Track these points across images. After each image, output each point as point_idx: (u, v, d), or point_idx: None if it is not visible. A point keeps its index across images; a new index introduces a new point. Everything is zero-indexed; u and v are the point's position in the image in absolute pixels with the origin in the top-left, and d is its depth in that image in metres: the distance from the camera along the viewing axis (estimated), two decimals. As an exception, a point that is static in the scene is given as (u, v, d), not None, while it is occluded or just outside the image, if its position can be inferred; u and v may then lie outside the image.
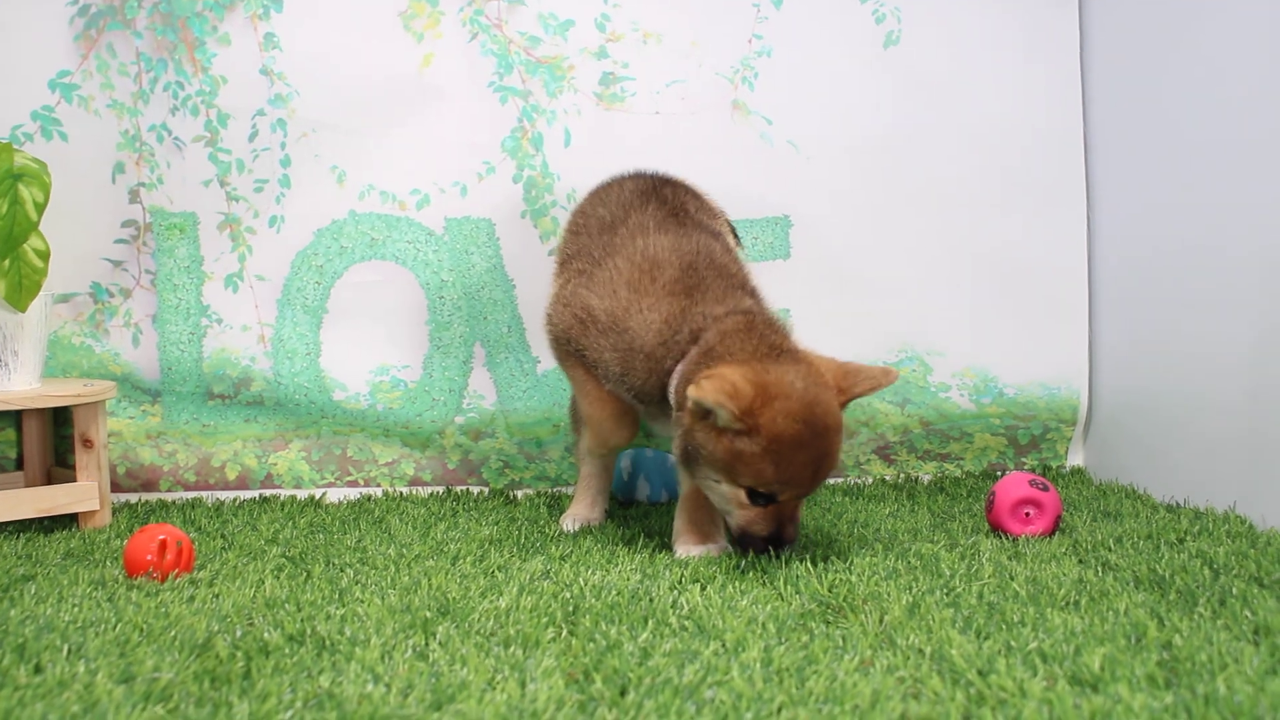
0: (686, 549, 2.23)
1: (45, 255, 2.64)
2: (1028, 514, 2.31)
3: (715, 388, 1.97)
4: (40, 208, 2.59)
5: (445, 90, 2.93)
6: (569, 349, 2.35)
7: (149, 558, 2.09)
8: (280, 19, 2.88)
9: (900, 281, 3.00)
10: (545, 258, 2.89)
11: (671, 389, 2.19)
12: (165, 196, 2.90)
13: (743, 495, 2.06)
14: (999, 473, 3.02)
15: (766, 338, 2.11)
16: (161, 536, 2.10)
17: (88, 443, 2.65)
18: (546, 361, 2.95)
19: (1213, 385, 2.52)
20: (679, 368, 2.17)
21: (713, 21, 2.98)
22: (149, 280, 2.92)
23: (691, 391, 1.98)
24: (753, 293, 2.28)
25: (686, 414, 2.07)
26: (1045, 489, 2.31)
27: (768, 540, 2.09)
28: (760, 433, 1.99)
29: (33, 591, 2.02)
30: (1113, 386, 2.95)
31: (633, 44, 2.96)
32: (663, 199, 2.45)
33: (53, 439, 2.92)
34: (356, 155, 2.92)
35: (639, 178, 2.56)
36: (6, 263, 2.59)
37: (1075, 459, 3.07)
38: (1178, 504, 2.57)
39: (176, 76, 2.87)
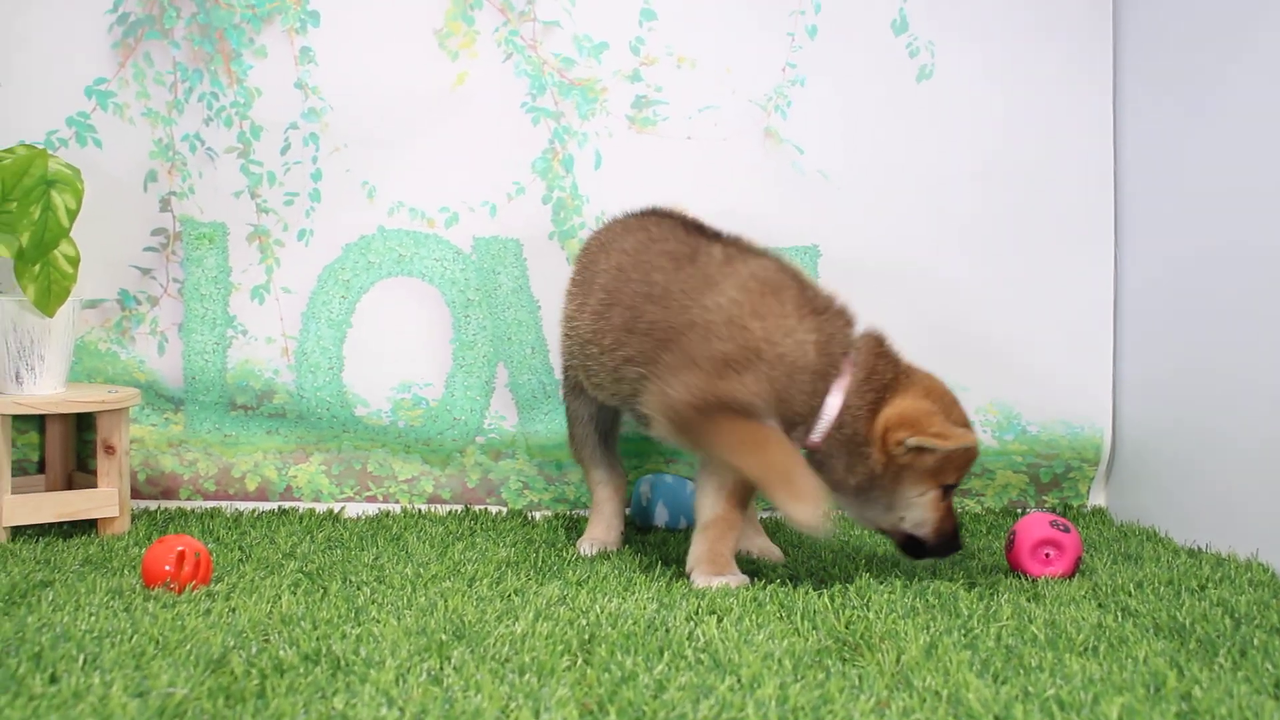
0: (705, 579, 2.22)
1: (75, 261, 2.65)
2: (1048, 555, 2.29)
3: (938, 431, 2.16)
4: (72, 214, 2.61)
5: (478, 109, 2.93)
6: (717, 407, 2.16)
7: (167, 568, 2.09)
8: (317, 34, 2.89)
9: (926, 314, 2.98)
10: (571, 280, 2.89)
11: (829, 416, 2.21)
12: (196, 206, 2.92)
13: (939, 495, 2.24)
14: (1020, 510, 3.00)
15: (896, 356, 2.29)
16: (180, 548, 2.11)
17: (109, 449, 2.66)
18: (569, 384, 2.95)
19: (1238, 428, 2.50)
20: (838, 400, 2.21)
21: (747, 48, 2.97)
22: (176, 289, 2.93)
23: (914, 441, 2.16)
24: None
25: (880, 450, 2.20)
26: (1066, 530, 2.30)
27: (956, 531, 2.28)
28: (953, 434, 2.18)
29: (50, 599, 2.03)
30: (1136, 427, 2.94)
31: (666, 68, 2.96)
32: (704, 229, 2.45)
33: (75, 444, 2.94)
34: (387, 171, 2.93)
35: (658, 213, 2.54)
36: (37, 268, 2.60)
37: (1097, 499, 3.05)
38: (1199, 549, 2.55)
39: (212, 87, 2.89)
